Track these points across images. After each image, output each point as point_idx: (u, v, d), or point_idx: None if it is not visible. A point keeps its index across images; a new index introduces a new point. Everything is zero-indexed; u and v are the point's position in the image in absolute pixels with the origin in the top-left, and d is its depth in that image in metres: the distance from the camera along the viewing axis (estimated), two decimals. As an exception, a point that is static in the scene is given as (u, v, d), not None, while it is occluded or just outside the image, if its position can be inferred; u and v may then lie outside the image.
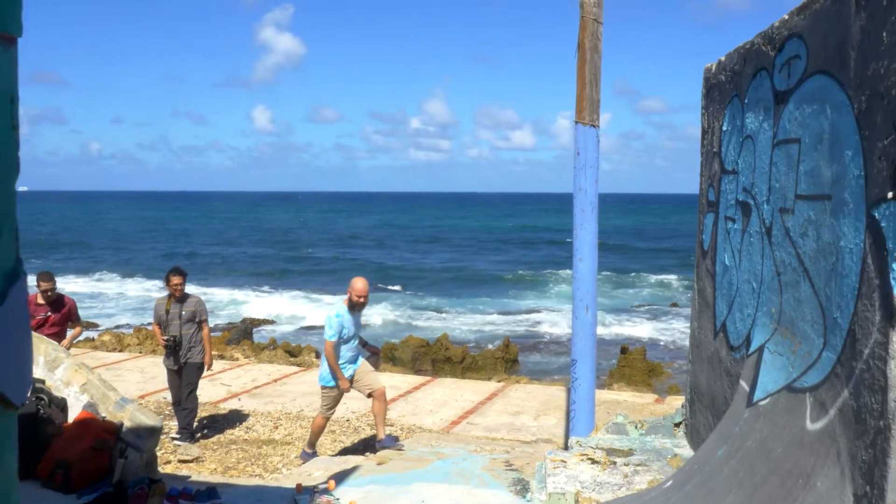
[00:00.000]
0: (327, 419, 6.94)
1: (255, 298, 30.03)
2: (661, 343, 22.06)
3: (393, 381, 10.08)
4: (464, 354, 18.67)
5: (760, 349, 3.41)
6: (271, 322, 25.25)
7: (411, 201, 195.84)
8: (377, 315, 25.61)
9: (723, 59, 4.30)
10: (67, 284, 32.86)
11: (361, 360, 6.96)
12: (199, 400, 9.17)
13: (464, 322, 24.51)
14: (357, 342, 6.85)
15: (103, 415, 4.50)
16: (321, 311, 27.07)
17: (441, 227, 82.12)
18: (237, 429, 8.06)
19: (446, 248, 55.18)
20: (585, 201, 5.24)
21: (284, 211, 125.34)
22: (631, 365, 18.16)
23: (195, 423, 7.84)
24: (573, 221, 5.33)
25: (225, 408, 8.90)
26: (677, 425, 4.94)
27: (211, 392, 9.55)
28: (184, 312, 7.47)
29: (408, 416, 8.48)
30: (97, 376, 4.66)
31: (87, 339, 19.71)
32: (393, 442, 6.82)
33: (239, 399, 9.27)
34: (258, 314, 26.06)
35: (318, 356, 17.01)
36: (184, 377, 7.61)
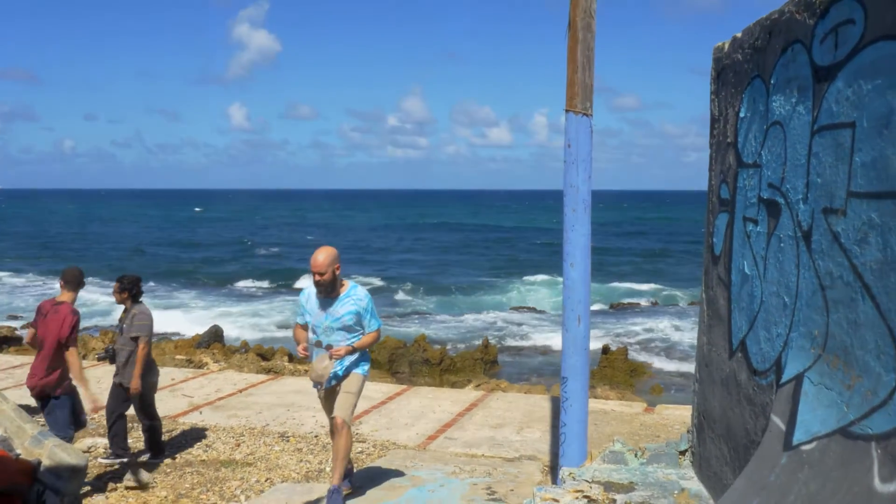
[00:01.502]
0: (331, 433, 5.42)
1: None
2: (642, 341, 21.59)
3: (366, 390, 9.42)
4: (442, 356, 18.07)
5: (798, 379, 2.81)
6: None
7: (389, 199, 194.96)
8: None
9: (739, 35, 3.68)
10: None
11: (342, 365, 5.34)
12: (159, 413, 8.46)
13: (442, 322, 23.88)
14: (331, 337, 5.26)
15: (18, 452, 3.81)
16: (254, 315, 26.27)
17: (418, 225, 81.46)
18: (195, 447, 7.35)
19: (423, 246, 54.55)
20: (577, 199, 4.61)
21: (255, 209, 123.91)
22: (612, 365, 17.68)
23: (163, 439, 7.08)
24: (563, 222, 4.70)
25: (184, 422, 8.18)
26: (682, 453, 4.34)
27: (171, 405, 8.83)
28: (124, 325, 6.64)
29: (381, 430, 7.83)
30: (12, 405, 3.97)
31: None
32: (345, 486, 5.49)
33: (200, 412, 8.56)
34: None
35: (290, 359, 16.29)
36: (133, 403, 6.81)
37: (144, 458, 6.84)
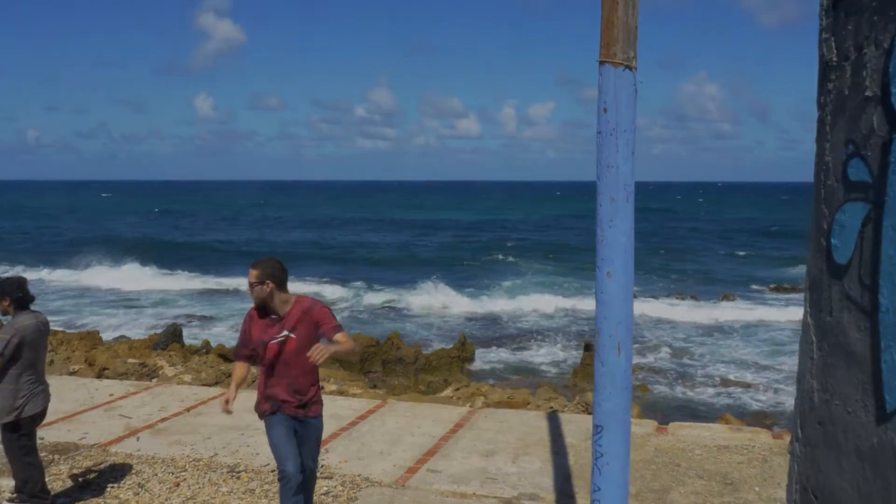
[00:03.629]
0: None
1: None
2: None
3: (334, 406, 8.04)
4: (416, 354, 16.76)
5: None
6: (207, 318, 22.84)
7: (359, 190, 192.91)
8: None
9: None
10: None
11: None
12: (87, 440, 7.04)
13: (416, 319, 22.50)
14: None
15: None
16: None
17: (389, 219, 79.96)
18: (124, 486, 5.93)
19: (395, 240, 53.17)
20: (616, 184, 3.29)
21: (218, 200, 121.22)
22: (595, 363, 16.45)
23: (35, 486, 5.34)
24: (597, 215, 3.37)
25: (117, 452, 6.74)
26: (775, 540, 3.05)
27: (104, 428, 7.39)
28: None
29: (352, 460, 6.47)
30: None
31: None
32: None
33: (137, 438, 7.12)
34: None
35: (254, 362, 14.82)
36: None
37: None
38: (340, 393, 11.60)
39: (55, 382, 9.06)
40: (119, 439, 7.09)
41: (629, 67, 3.23)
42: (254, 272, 4.42)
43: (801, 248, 43.34)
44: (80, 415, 7.85)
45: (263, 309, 4.50)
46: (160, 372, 13.19)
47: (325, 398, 8.91)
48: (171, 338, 16.27)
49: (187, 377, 12.67)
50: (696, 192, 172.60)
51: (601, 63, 3.25)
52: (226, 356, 14.84)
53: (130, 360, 13.75)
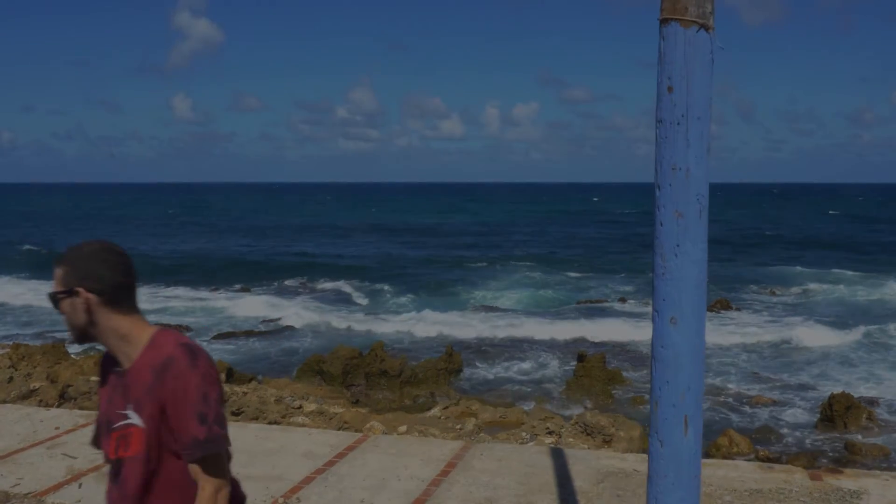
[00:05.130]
0: None
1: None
2: (615, 344, 19.52)
3: (309, 444, 7.00)
4: (402, 366, 15.75)
5: None
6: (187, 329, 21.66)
7: (341, 192, 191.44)
8: (296, 317, 22.11)
9: None
10: None
11: None
12: (20, 488, 5.99)
13: (399, 329, 21.42)
14: None
15: None
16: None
17: (368, 224, 78.82)
18: (53, 555, 4.89)
19: (379, 245, 52.10)
20: (686, 193, 2.31)
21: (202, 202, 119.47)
22: (589, 374, 15.62)
23: None
24: (655, 238, 2.38)
25: (53, 503, 5.69)
26: None
27: (43, 471, 6.30)
28: None
29: (327, 512, 5.45)
30: None
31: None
32: None
33: (80, 485, 6.05)
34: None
35: (230, 375, 13.74)
36: None
37: None
38: (320, 412, 10.58)
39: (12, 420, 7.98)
40: (58, 486, 6.02)
41: (705, 27, 2.25)
42: (58, 272, 2.17)
43: (788, 249, 42.73)
44: (18, 454, 6.76)
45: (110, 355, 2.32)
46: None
47: (296, 431, 7.71)
48: (141, 351, 15.15)
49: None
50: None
51: (665, 22, 2.26)
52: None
53: (94, 378, 12.63)
